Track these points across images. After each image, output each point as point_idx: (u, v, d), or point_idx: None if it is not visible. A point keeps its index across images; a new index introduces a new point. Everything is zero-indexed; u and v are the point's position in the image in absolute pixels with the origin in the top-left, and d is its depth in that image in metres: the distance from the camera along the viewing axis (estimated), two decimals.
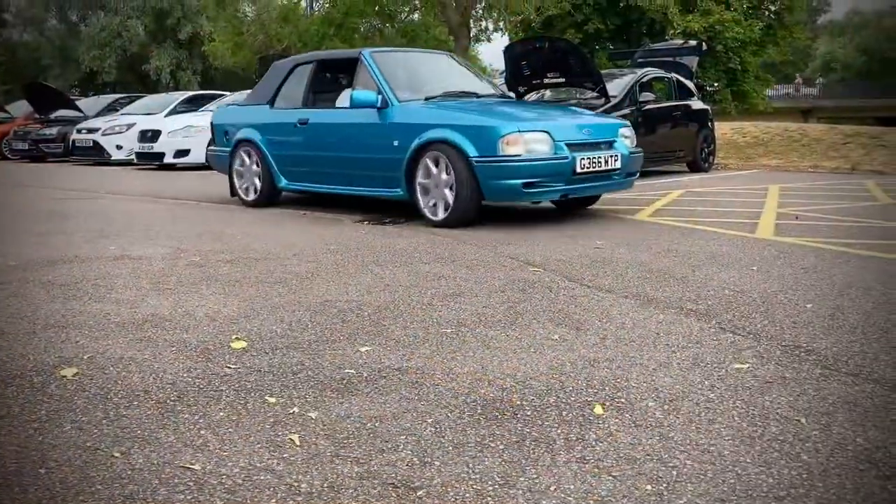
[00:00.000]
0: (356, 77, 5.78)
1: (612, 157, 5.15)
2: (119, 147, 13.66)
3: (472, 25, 19.05)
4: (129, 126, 13.62)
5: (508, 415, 1.83)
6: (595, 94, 9.02)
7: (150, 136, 12.62)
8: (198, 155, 12.45)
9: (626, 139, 5.39)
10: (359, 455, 1.62)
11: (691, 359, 2.24)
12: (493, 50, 39.51)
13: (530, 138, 4.81)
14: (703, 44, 12.63)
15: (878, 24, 51.23)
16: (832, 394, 1.94)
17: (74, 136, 14.27)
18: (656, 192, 7.40)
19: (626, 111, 8.96)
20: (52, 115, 15.63)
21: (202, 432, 1.74)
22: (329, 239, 4.61)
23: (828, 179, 9.23)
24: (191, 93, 16.00)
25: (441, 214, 5.07)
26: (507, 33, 20.79)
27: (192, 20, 36.66)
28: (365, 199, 6.25)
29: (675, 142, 9.93)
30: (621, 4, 18.60)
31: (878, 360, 2.20)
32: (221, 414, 1.85)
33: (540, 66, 9.34)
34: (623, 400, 1.92)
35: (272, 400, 1.94)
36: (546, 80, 9.50)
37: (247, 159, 6.49)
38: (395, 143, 5.23)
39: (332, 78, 6.85)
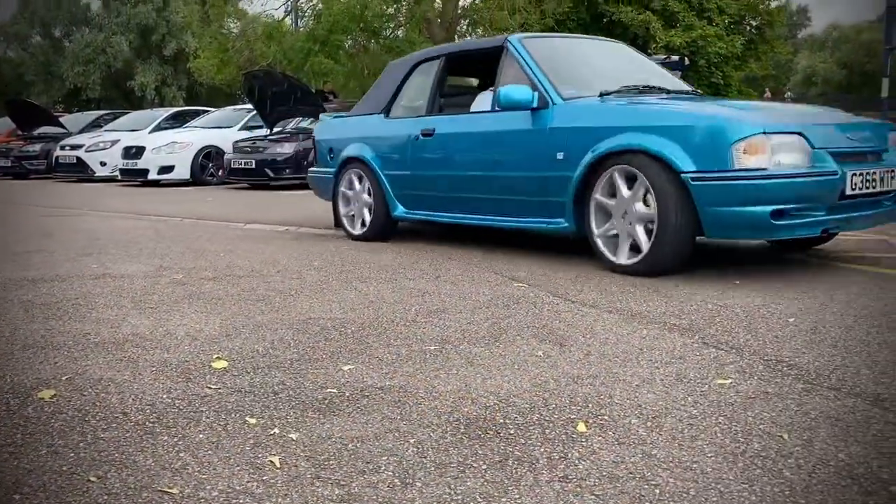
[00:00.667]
0: (500, 73, 4.50)
1: (888, 173, 3.74)
2: (103, 164, 13.61)
3: (457, 41, 19.15)
4: (114, 142, 13.57)
5: (491, 434, 1.82)
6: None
7: (135, 152, 12.58)
8: (182, 171, 12.43)
9: None
10: (339, 477, 1.60)
11: (674, 374, 2.23)
12: None
13: (779, 143, 3.39)
14: (685, 58, 12.77)
15: (856, 39, 51.95)
16: (814, 409, 1.94)
17: (58, 152, 14.21)
18: None
19: None
20: (36, 132, 15.56)
21: (181, 455, 1.72)
22: (313, 255, 4.60)
23: None
24: (175, 109, 15.97)
25: (626, 258, 3.76)
26: None
27: (177, 37, 36.73)
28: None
29: None
30: (604, 20, 18.77)
31: (860, 374, 2.21)
32: (201, 436, 1.83)
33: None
34: (606, 417, 1.91)
35: (252, 421, 1.91)
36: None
37: (356, 182, 5.34)
38: (560, 155, 3.95)
39: (466, 78, 5.79)
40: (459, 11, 18.52)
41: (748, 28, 19.93)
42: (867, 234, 4.87)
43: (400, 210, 5.04)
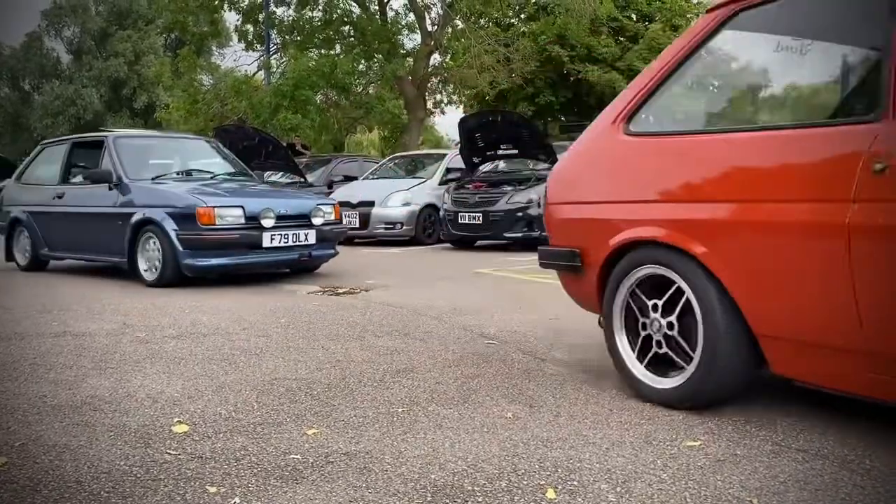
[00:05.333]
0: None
1: None
2: None
3: (427, 98, 19.47)
4: None
5: (459, 501, 1.78)
6: (547, 165, 9.23)
7: None
8: None
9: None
10: None
11: (644, 436, 2.22)
12: (448, 121, 40.31)
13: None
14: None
15: None
16: (783, 472, 1.94)
17: None
18: None
19: None
20: (1, 185, 15.34)
21: None
22: (280, 311, 4.54)
23: None
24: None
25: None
26: (461, 106, 21.27)
27: (148, 90, 36.77)
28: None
29: None
30: (571, 79, 19.24)
31: (827, 435, 2.21)
32: None
33: (493, 137, 9.59)
34: (576, 482, 1.88)
35: (213, 489, 1.85)
36: (499, 152, 9.75)
37: None
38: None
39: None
40: (430, 70, 18.85)
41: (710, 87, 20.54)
42: None
43: None
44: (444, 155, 11.32)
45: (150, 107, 36.12)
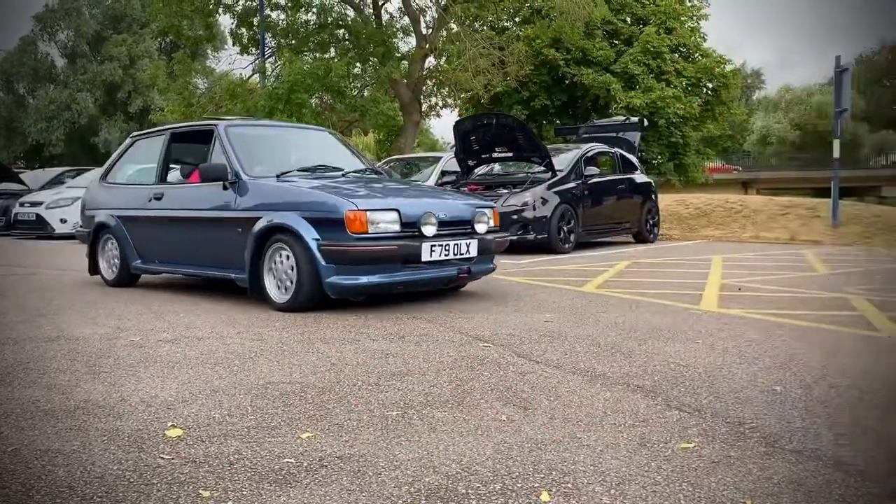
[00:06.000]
0: None
1: None
2: (63, 220, 13.41)
3: (422, 101, 19.48)
4: (75, 199, 13.38)
5: None
6: (542, 167, 9.25)
7: None
8: None
9: None
10: None
11: (638, 438, 2.22)
12: (443, 124, 40.36)
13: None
14: (645, 120, 13.12)
15: (808, 101, 53.98)
16: (777, 473, 1.94)
17: (17, 209, 13.97)
18: (603, 264, 7.51)
19: (573, 184, 9.19)
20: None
21: None
22: (275, 315, 4.53)
23: (767, 250, 9.51)
24: (138, 166, 15.83)
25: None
26: (456, 109, 21.29)
27: (143, 94, 36.74)
28: None
29: (621, 214, 10.19)
30: (566, 82, 19.25)
31: (820, 436, 2.22)
32: None
33: (488, 141, 9.60)
34: (570, 485, 1.88)
35: (206, 494, 1.85)
36: (494, 155, 9.76)
37: None
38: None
39: None
40: (425, 73, 18.85)
41: (705, 90, 20.57)
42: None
43: None
44: (440, 158, 11.33)
45: (145, 110, 36.10)
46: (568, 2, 16.04)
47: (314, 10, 17.96)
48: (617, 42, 20.06)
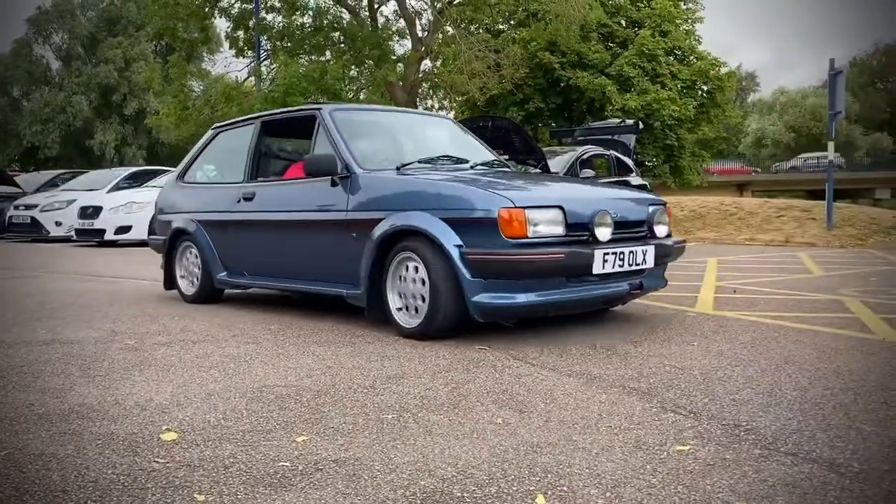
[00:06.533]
0: None
1: None
2: (58, 223, 13.38)
3: (418, 104, 19.49)
4: (70, 202, 13.38)
5: None
6: (537, 170, 9.26)
7: (91, 212, 12.41)
8: (140, 231, 12.29)
9: None
10: None
11: (633, 441, 2.22)
12: None
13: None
14: (640, 122, 13.15)
15: (802, 103, 54.15)
16: (772, 475, 1.94)
17: (11, 212, 13.94)
18: None
19: None
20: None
21: None
22: (270, 318, 4.52)
23: (763, 252, 9.53)
24: (134, 168, 15.85)
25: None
26: (452, 111, 21.30)
27: (139, 96, 36.71)
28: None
29: None
30: (561, 85, 19.27)
31: (815, 438, 2.22)
32: None
33: (484, 143, 9.60)
34: (565, 488, 1.88)
35: (201, 498, 1.84)
36: None
37: None
38: None
39: None
40: (421, 75, 18.87)
41: (700, 93, 20.63)
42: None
43: None
44: None
45: (141, 113, 36.04)
46: (563, 5, 16.07)
47: (310, 13, 17.96)
48: (612, 45, 20.10)
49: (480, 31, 19.66)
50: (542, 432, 2.32)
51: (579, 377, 3.00)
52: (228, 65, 35.90)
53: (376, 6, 18.67)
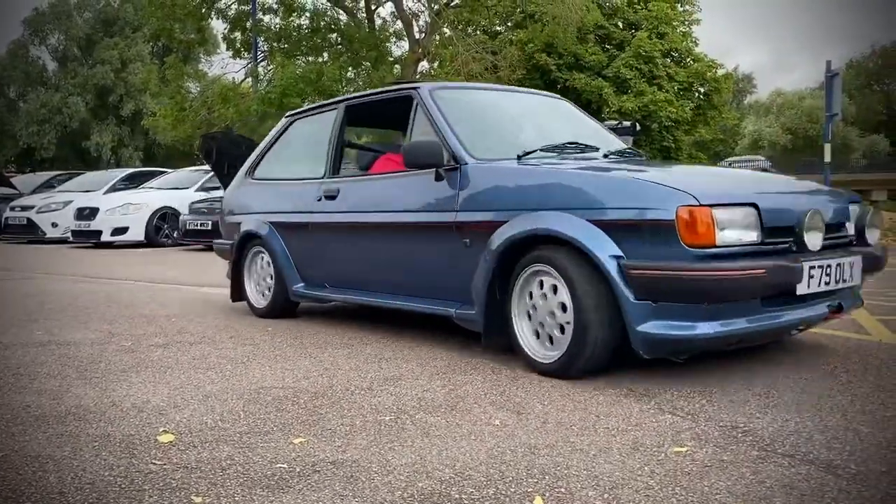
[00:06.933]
0: None
1: None
2: (55, 225, 13.36)
3: None
4: (66, 203, 13.36)
5: None
6: None
7: (88, 213, 12.39)
8: (136, 233, 12.28)
9: None
10: None
11: (631, 443, 2.22)
12: None
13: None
14: (637, 124, 13.18)
15: (799, 105, 54.27)
16: (769, 477, 1.94)
17: (7, 213, 13.92)
18: None
19: None
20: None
21: None
22: (268, 319, 4.52)
23: None
24: (131, 170, 15.84)
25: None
26: None
27: (135, 97, 36.66)
28: None
29: None
30: (558, 86, 19.31)
31: (813, 439, 2.22)
32: None
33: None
34: (563, 489, 1.88)
35: (198, 500, 1.84)
36: None
37: None
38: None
39: None
40: (418, 77, 18.89)
41: (697, 95, 20.69)
42: None
43: None
44: None
45: (138, 114, 35.98)
46: (560, 6, 16.09)
47: (307, 14, 17.97)
48: (609, 47, 20.15)
49: (477, 32, 19.70)
50: (540, 434, 2.32)
51: (577, 379, 3.00)
52: (225, 66, 35.91)
53: (373, 7, 18.68)
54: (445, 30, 17.91)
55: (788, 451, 2.13)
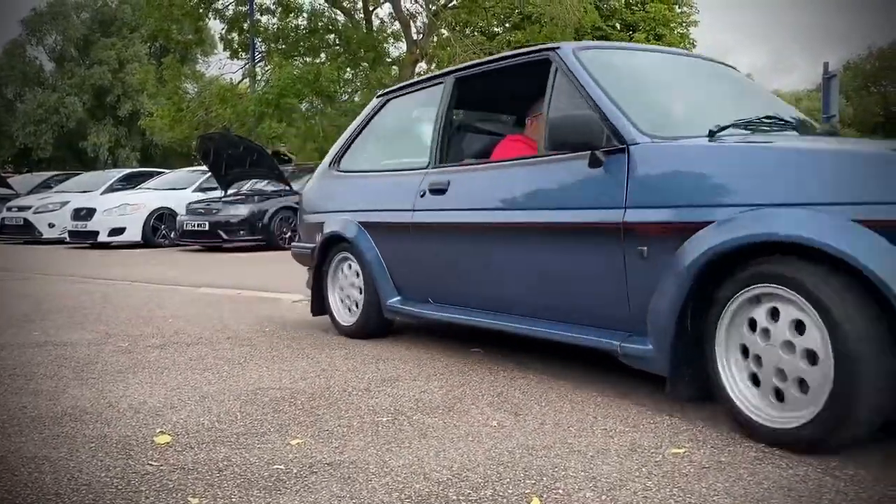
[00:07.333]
0: None
1: None
2: (51, 225, 13.35)
3: None
4: (63, 204, 13.35)
5: None
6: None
7: (85, 213, 12.37)
8: (133, 233, 12.26)
9: None
10: None
11: (629, 444, 2.22)
12: None
13: None
14: None
15: (796, 106, 54.37)
16: (767, 478, 1.94)
17: (4, 213, 13.91)
18: None
19: None
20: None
21: None
22: (264, 320, 4.51)
23: None
24: (128, 170, 15.83)
25: None
26: None
27: (133, 98, 36.59)
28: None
29: None
30: None
31: None
32: None
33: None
34: (561, 491, 1.88)
35: (195, 501, 1.83)
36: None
37: None
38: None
39: None
40: (415, 77, 18.91)
41: None
42: None
43: None
44: None
45: (135, 114, 35.93)
46: (558, 8, 16.11)
47: (304, 14, 17.97)
48: None
49: (475, 33, 19.70)
50: (538, 435, 2.31)
51: (574, 380, 3.00)
52: (223, 67, 35.88)
53: (371, 8, 18.68)
54: (443, 31, 17.93)
55: (786, 453, 2.12)
